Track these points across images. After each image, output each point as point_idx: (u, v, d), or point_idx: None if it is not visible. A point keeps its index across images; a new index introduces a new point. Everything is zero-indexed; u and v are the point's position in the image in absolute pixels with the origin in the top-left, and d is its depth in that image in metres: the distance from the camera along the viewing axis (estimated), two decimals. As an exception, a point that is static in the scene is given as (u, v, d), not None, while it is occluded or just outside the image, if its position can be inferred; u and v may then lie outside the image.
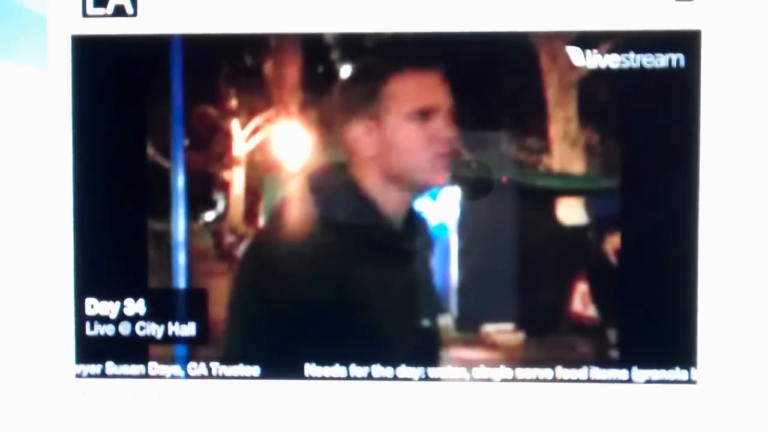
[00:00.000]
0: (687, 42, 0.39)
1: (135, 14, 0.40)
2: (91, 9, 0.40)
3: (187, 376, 0.41)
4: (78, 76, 0.41)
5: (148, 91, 0.41)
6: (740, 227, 0.39)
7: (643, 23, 0.39)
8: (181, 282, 0.41)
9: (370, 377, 0.41)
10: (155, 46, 0.41)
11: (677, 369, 0.40)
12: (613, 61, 0.40)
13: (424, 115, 0.40)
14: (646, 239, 0.40)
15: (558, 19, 0.39)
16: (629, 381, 0.40)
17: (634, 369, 0.40)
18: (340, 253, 0.41)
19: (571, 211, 0.42)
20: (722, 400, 0.40)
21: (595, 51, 0.40)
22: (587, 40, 0.39)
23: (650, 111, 0.40)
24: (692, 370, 0.40)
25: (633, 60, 0.39)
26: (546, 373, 0.41)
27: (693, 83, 0.39)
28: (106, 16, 0.40)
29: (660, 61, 0.39)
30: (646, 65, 0.39)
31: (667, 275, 0.40)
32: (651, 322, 0.40)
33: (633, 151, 0.40)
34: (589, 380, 0.40)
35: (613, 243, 0.40)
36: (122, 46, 0.40)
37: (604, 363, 0.40)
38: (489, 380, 0.41)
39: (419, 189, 0.42)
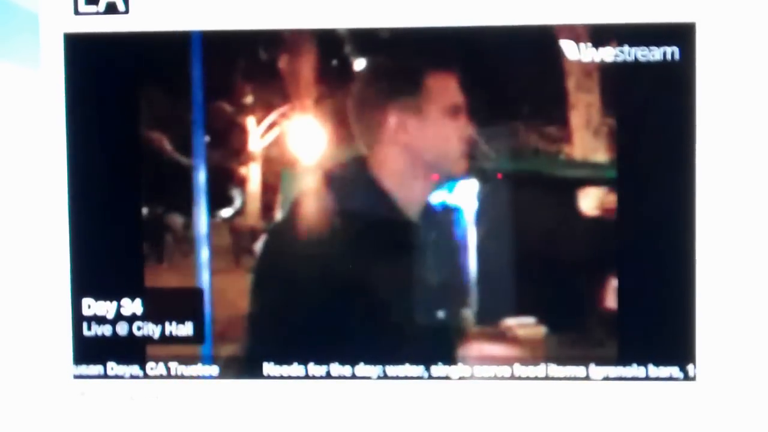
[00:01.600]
0: (681, 35, 0.39)
1: (127, 11, 0.40)
2: (82, 6, 0.40)
3: (185, 377, 0.41)
4: (70, 73, 0.40)
5: (150, 86, 0.41)
6: (738, 223, 0.39)
7: (638, 16, 0.39)
8: (204, 279, 0.41)
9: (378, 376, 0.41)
10: (149, 44, 0.40)
11: (676, 366, 0.40)
12: (608, 54, 0.40)
13: (455, 112, 0.41)
14: (642, 235, 0.40)
15: (551, 12, 0.39)
16: (628, 378, 0.40)
17: (634, 366, 0.40)
18: (354, 248, 0.41)
19: (594, 201, 0.41)
20: (721, 396, 0.40)
21: (589, 44, 0.40)
22: (581, 34, 0.39)
23: (645, 104, 0.40)
24: (691, 367, 0.40)
25: (627, 53, 0.39)
26: (541, 370, 0.41)
27: (688, 76, 0.39)
28: (97, 13, 0.40)
29: (655, 54, 0.39)
30: (641, 58, 0.39)
31: (665, 272, 0.40)
32: (650, 319, 0.40)
33: (628, 145, 0.40)
34: (587, 378, 0.40)
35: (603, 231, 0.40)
36: (115, 43, 0.40)
37: (603, 360, 0.40)
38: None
39: (442, 182, 0.42)
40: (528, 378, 0.41)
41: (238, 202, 0.42)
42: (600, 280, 0.41)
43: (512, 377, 0.41)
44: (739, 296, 0.40)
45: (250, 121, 0.41)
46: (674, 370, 0.40)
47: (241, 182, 0.42)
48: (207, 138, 0.41)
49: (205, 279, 0.41)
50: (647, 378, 0.40)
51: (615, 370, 0.40)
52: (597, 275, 0.41)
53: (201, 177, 0.41)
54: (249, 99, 0.41)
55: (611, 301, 0.40)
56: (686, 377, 0.40)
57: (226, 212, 0.42)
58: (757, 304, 0.40)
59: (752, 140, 0.39)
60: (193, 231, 0.41)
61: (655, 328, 0.40)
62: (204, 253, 0.41)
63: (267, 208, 0.42)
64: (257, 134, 0.41)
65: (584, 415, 0.41)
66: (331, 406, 0.41)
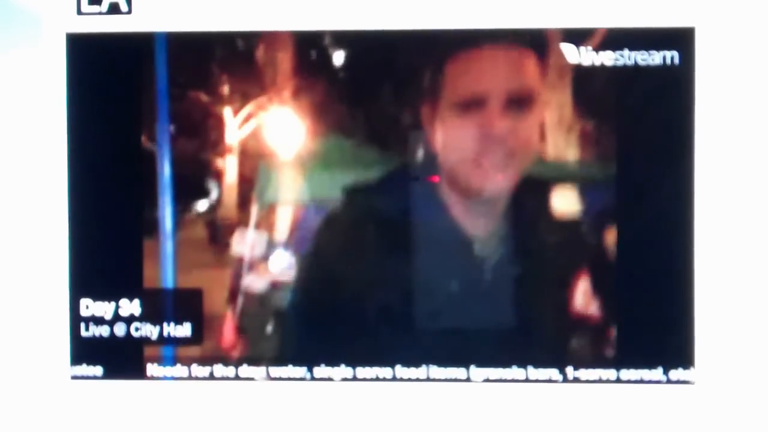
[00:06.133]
0: (681, 39, 0.39)
1: (129, 12, 0.40)
2: (85, 7, 0.40)
3: (183, 377, 0.41)
4: (73, 73, 0.40)
5: (142, 85, 0.40)
6: (737, 226, 0.39)
7: (637, 20, 0.40)
8: (171, 274, 0.41)
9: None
10: (146, 42, 0.41)
11: (675, 369, 0.40)
12: (608, 58, 0.40)
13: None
14: (641, 238, 0.40)
15: (553, 15, 0.40)
16: (626, 381, 0.40)
17: (631, 369, 0.40)
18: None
19: (566, 201, 0.41)
20: (720, 400, 0.40)
21: (589, 48, 0.40)
22: (582, 37, 0.40)
23: (645, 108, 0.40)
24: (690, 370, 0.40)
25: (627, 57, 0.40)
26: (547, 373, 0.41)
27: (687, 80, 0.39)
28: (100, 14, 0.40)
29: (654, 58, 0.40)
30: (641, 62, 0.40)
31: (663, 275, 0.40)
32: (648, 322, 0.40)
33: (628, 149, 0.40)
34: (585, 381, 0.40)
35: (612, 235, 0.40)
36: (117, 43, 0.40)
37: (601, 363, 0.40)
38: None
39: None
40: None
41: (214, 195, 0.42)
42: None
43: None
44: (738, 300, 0.39)
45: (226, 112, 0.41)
46: (672, 374, 0.40)
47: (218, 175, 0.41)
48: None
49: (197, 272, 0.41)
50: (645, 381, 0.40)
51: (612, 373, 0.40)
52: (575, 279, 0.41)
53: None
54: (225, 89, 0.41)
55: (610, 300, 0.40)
56: (684, 381, 0.40)
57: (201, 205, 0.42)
58: (756, 307, 0.40)
59: (751, 144, 0.39)
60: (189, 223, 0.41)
61: (654, 331, 0.40)
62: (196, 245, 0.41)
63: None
64: (234, 125, 0.41)
65: (582, 417, 0.40)
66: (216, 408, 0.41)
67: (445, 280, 0.41)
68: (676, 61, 0.39)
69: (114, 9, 0.40)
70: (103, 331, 0.41)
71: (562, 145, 0.41)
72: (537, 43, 0.40)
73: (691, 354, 0.40)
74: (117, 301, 0.41)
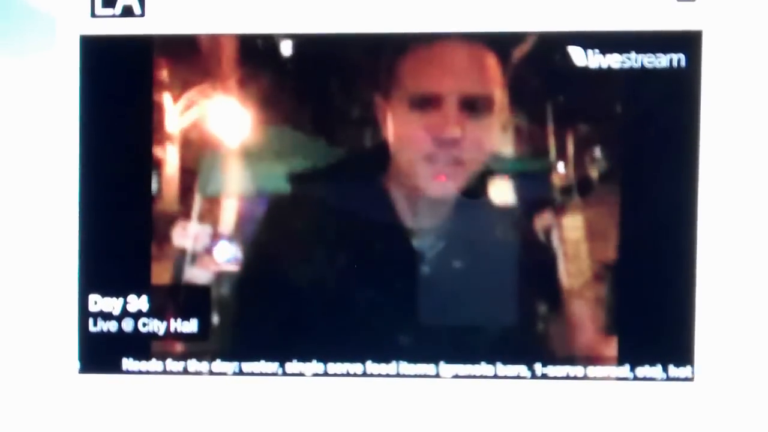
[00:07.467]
0: (688, 42, 0.39)
1: (143, 15, 0.41)
2: (99, 9, 0.41)
3: (189, 373, 0.41)
4: (86, 75, 0.41)
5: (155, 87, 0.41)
6: (739, 226, 0.40)
7: (645, 23, 0.40)
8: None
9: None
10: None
11: (675, 366, 0.40)
12: (615, 60, 0.40)
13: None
14: (644, 238, 0.40)
15: (559, 18, 0.40)
16: (627, 378, 0.40)
17: (632, 366, 0.40)
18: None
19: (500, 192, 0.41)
20: (720, 397, 0.40)
21: (596, 51, 0.40)
22: (588, 40, 0.40)
23: (651, 111, 0.40)
24: (690, 367, 0.40)
25: (634, 60, 0.40)
26: (516, 369, 0.41)
27: (694, 83, 0.39)
28: (114, 16, 0.41)
29: (661, 61, 0.40)
30: (647, 65, 0.40)
31: (665, 273, 0.40)
32: (649, 319, 0.40)
33: (633, 151, 0.40)
34: (586, 378, 0.40)
35: (543, 221, 0.41)
36: (131, 45, 0.41)
37: (602, 360, 0.40)
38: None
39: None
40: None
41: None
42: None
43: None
44: (738, 297, 0.40)
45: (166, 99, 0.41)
46: (672, 371, 0.40)
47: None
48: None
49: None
50: (646, 379, 0.40)
51: (613, 370, 0.40)
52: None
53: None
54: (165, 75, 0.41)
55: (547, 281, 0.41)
56: (684, 378, 0.40)
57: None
58: (756, 305, 0.40)
59: (756, 147, 0.39)
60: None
61: (654, 328, 0.40)
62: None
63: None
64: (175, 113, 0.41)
65: (582, 415, 0.40)
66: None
67: (395, 276, 0.41)
68: (683, 64, 0.40)
69: (127, 12, 0.41)
70: (112, 326, 0.41)
71: (514, 142, 0.41)
72: (503, 42, 0.40)
73: (691, 351, 0.40)
74: (125, 297, 0.41)
